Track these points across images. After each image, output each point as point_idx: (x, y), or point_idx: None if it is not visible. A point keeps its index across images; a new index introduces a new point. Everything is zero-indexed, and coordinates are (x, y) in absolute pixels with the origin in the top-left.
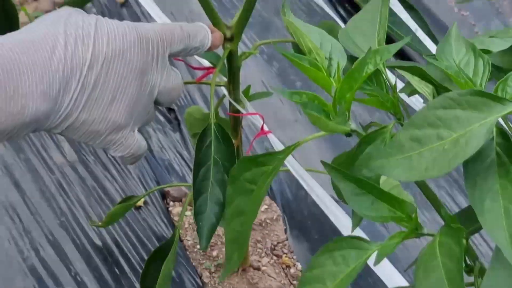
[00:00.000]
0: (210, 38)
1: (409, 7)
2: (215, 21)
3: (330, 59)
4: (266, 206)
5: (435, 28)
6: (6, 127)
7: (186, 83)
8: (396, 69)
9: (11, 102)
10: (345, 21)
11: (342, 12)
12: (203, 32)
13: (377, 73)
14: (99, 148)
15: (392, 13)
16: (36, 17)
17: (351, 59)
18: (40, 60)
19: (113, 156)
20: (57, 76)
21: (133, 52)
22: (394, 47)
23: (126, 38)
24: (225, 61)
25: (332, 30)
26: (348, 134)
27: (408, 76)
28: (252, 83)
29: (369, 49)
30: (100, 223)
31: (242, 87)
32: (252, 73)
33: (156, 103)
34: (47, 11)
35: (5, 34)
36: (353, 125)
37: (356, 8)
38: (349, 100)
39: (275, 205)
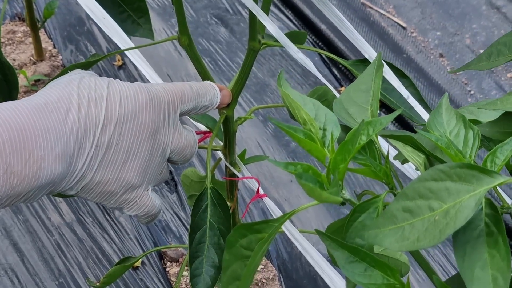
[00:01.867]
0: (219, 96)
1: (401, 75)
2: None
3: (324, 129)
4: (262, 266)
5: (428, 87)
6: (22, 190)
7: None
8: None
9: (27, 166)
10: (339, 81)
11: (336, 72)
12: (212, 91)
13: (370, 143)
14: (113, 208)
15: (384, 80)
16: (35, 81)
17: (345, 129)
18: (55, 123)
19: (111, 217)
20: (71, 138)
21: (145, 112)
22: (386, 119)
23: (138, 99)
24: (221, 125)
25: (326, 95)
26: (342, 203)
27: (399, 145)
28: (248, 144)
29: (362, 121)
30: (98, 284)
31: (238, 148)
32: (247, 134)
33: (170, 161)
34: (46, 75)
35: (21, 99)
36: (346, 195)
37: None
38: (343, 170)
39: (271, 265)
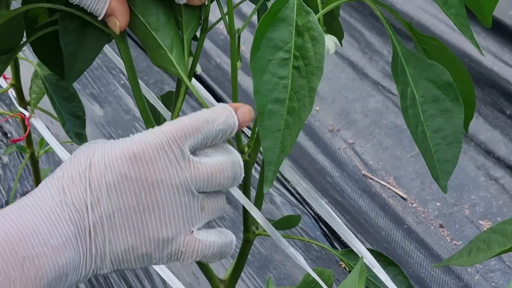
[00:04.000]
0: (234, 115)
1: (390, 263)
2: (208, 274)
3: None
4: None
5: (428, 258)
6: None
7: None
8: None
9: (24, 269)
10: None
11: (337, 245)
12: (225, 112)
13: None
14: (165, 264)
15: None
16: None
17: None
18: (43, 217)
19: None
20: (64, 225)
21: (138, 167)
22: None
23: (125, 157)
24: None
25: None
26: None
27: None
28: None
29: None
30: None
31: None
32: None
33: (208, 193)
34: None
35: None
36: None
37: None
38: None
39: None
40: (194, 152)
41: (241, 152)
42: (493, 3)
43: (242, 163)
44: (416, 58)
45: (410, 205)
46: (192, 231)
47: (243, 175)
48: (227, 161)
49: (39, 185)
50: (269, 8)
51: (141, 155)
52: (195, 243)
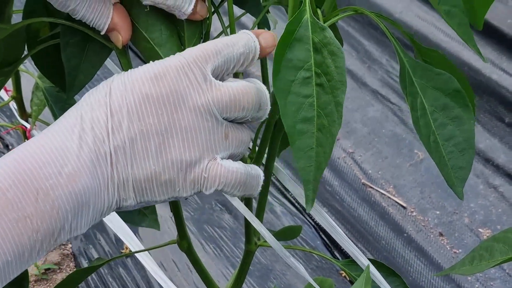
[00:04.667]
0: (256, 40)
1: (392, 274)
2: (210, 285)
3: None
4: None
5: (428, 266)
6: (52, 227)
7: None
8: None
9: (39, 202)
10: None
11: (337, 255)
12: (245, 36)
13: None
14: (190, 196)
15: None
16: (46, 269)
17: None
18: (57, 147)
19: None
20: (82, 151)
21: (158, 87)
22: None
23: (144, 81)
24: None
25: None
26: None
27: None
28: None
29: None
30: None
31: None
32: None
33: (242, 122)
34: (56, 264)
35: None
36: None
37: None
38: None
39: None
40: (217, 77)
41: None
42: (486, 7)
43: (268, 94)
44: (423, 68)
45: (409, 213)
46: (216, 158)
47: (269, 106)
48: (251, 86)
49: (56, 120)
50: (284, 29)
51: (162, 75)
52: (218, 168)
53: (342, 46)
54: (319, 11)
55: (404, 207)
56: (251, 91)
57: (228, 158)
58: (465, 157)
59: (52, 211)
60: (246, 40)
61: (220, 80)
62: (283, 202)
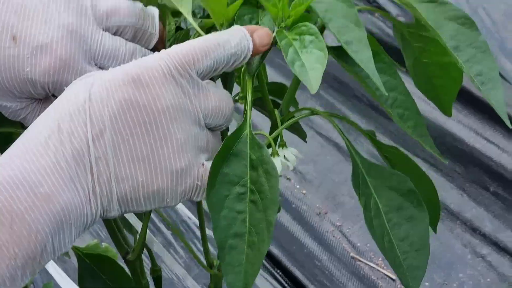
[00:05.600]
0: (249, 38)
1: None
2: None
3: None
4: None
5: None
6: (28, 255)
7: None
8: None
9: (13, 231)
10: None
11: None
12: (238, 34)
13: None
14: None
15: None
16: None
17: None
18: (30, 165)
19: None
20: (59, 166)
21: (143, 94)
22: None
23: (125, 85)
24: None
25: None
26: None
27: None
28: None
29: None
30: None
31: None
32: None
33: (211, 129)
34: None
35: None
36: None
37: None
38: None
39: None
40: (202, 78)
41: (210, 266)
42: (452, 95)
43: (231, 99)
44: (377, 168)
45: (399, 285)
46: (204, 164)
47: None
48: (229, 95)
49: (29, 127)
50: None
51: (147, 79)
52: (208, 174)
53: (306, 137)
54: (276, 112)
55: (393, 280)
56: (230, 100)
57: None
58: (420, 256)
59: (30, 235)
60: (239, 39)
61: (202, 79)
62: (269, 281)
